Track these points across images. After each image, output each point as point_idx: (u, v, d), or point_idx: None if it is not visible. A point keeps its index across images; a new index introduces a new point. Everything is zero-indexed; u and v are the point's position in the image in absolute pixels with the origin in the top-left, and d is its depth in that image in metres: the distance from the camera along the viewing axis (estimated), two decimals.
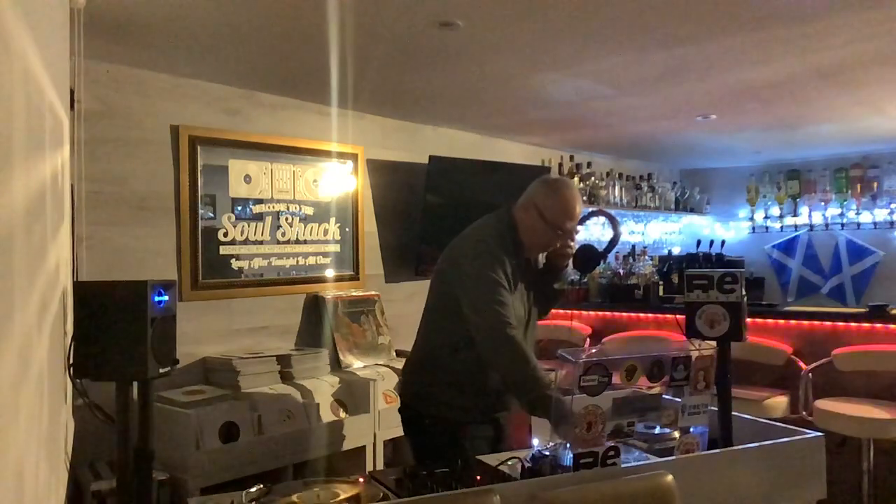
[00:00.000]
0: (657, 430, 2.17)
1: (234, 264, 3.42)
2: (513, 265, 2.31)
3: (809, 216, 6.24)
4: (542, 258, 2.57)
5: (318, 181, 3.81)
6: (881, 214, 5.89)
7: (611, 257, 5.05)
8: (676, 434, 2.12)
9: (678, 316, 2.33)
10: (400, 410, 2.49)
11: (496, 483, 1.75)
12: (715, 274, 2.25)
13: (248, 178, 3.49)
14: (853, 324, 3.68)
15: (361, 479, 1.86)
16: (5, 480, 0.69)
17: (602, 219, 3.49)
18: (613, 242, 2.52)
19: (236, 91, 3.44)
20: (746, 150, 5.89)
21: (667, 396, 2.24)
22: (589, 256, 2.49)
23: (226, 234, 3.39)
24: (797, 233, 6.36)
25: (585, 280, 4.95)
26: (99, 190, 2.93)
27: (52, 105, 1.36)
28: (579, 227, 2.42)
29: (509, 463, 1.94)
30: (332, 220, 3.88)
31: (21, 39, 0.82)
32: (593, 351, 2.01)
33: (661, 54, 2.98)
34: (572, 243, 2.42)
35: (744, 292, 2.23)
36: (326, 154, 3.83)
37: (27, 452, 0.89)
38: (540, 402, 2.05)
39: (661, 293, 4.68)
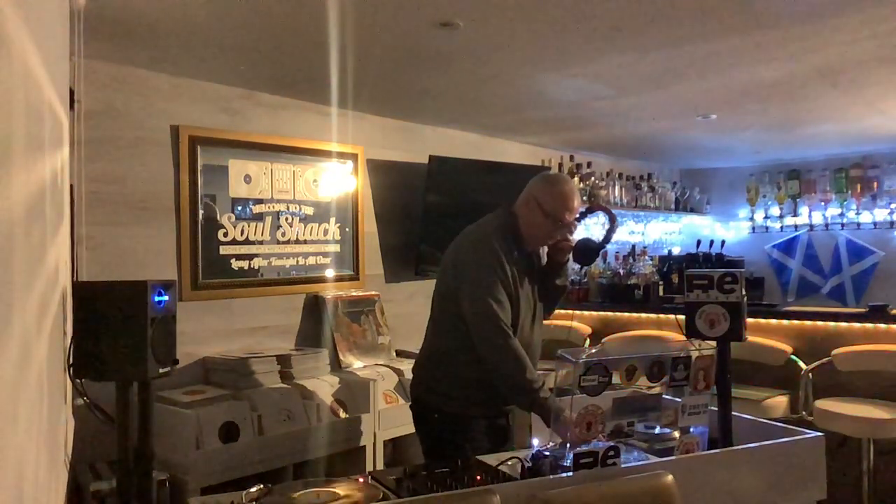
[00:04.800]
0: (657, 430, 2.18)
1: (234, 264, 3.42)
2: (514, 259, 2.40)
3: (809, 216, 6.23)
4: (543, 257, 2.61)
5: (318, 181, 3.81)
6: (881, 214, 5.88)
7: (611, 257, 5.07)
8: (676, 434, 2.13)
9: (678, 316, 2.34)
10: (410, 406, 2.57)
11: (496, 483, 1.76)
12: (715, 274, 2.25)
13: (248, 178, 3.49)
14: (853, 324, 3.68)
15: (361, 479, 1.86)
16: (5, 481, 0.69)
17: (602, 217, 3.52)
18: (611, 232, 2.56)
19: (236, 91, 3.44)
20: (746, 150, 5.88)
21: (667, 396, 2.24)
22: (588, 248, 2.54)
23: (226, 234, 3.39)
24: (797, 233, 6.36)
25: (586, 280, 4.96)
26: (99, 190, 2.92)
27: (52, 105, 1.36)
28: (577, 223, 2.48)
29: (509, 463, 1.94)
30: (332, 220, 3.88)
31: (21, 39, 0.82)
32: (593, 351, 2.01)
33: (661, 54, 2.98)
34: (571, 237, 2.49)
35: (744, 292, 2.24)
36: (326, 154, 3.83)
37: (27, 453, 0.89)
38: (535, 404, 2.20)
39: (661, 293, 4.68)
